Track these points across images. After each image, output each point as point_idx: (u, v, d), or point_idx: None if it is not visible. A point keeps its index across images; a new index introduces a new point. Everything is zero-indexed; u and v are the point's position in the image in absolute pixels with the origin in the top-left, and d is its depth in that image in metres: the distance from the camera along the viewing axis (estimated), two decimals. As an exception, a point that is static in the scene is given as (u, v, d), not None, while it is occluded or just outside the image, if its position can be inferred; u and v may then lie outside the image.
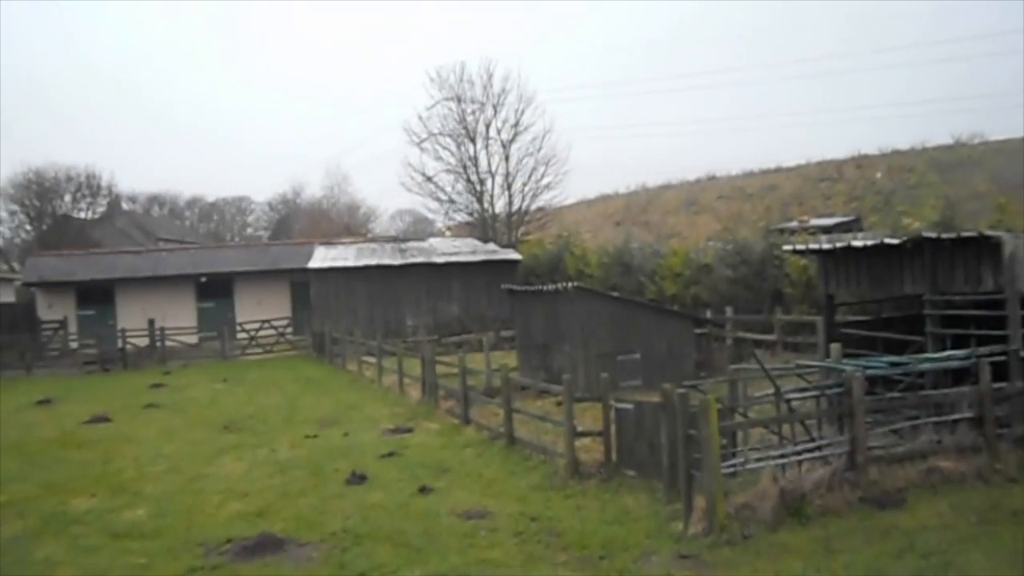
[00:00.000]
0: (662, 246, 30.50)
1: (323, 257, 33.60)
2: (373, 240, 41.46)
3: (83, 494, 11.50)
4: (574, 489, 10.34)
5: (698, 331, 19.58)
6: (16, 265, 49.60)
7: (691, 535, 8.21)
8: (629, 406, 10.88)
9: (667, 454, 9.35)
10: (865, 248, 13.01)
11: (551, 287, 18.80)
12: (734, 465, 8.95)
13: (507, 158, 40.20)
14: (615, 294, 20.75)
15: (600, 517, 9.19)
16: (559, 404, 13.16)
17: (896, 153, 46.76)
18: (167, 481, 12.07)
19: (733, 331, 21.99)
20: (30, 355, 31.16)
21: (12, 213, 54.75)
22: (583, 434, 11.36)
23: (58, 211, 54.20)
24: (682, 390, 9.18)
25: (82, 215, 56.37)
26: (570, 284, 18.33)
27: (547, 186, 40.39)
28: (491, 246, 35.89)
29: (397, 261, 32.76)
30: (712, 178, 55.92)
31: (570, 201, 48.38)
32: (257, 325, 33.86)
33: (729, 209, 46.54)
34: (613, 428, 10.91)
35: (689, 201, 51.33)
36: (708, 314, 21.80)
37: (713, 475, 8.17)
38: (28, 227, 54.44)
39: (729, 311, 22.55)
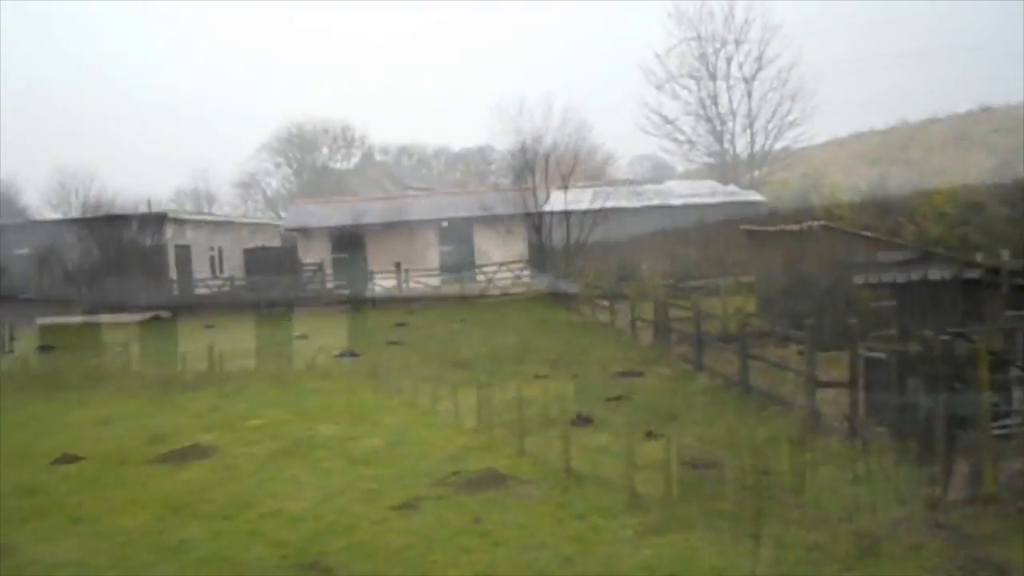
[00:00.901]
0: (925, 184, 27.63)
1: (560, 200, 33.72)
2: (610, 184, 41.07)
3: (328, 421, 12.24)
4: (814, 443, 9.50)
5: (966, 276, 17.41)
6: (282, 213, 54.31)
7: (950, 502, 7.21)
8: (881, 355, 9.78)
9: (924, 410, 8.27)
10: None
11: (796, 227, 17.49)
12: (1007, 426, 7.73)
13: (749, 95, 38.21)
14: (867, 234, 18.96)
15: (842, 475, 8.35)
16: (800, 353, 12.20)
17: None
18: (403, 414, 12.57)
19: (1010, 277, 19.39)
20: (292, 294, 34.07)
21: (277, 165, 59.98)
22: (826, 384, 10.43)
23: (316, 163, 58.64)
24: (946, 338, 8.05)
25: (338, 166, 60.60)
26: (816, 223, 16.94)
27: (793, 123, 37.98)
28: (731, 188, 34.37)
29: (633, 204, 32.20)
30: (986, 109, 49.81)
31: (819, 140, 45.06)
32: (495, 268, 34.78)
33: (1007, 144, 41.30)
34: (861, 379, 9.88)
35: (959, 136, 46.15)
36: (979, 258, 19.36)
37: (981, 436, 7.08)
38: (292, 178, 59.39)
39: (1005, 254, 19.91)
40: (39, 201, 64.51)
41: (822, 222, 17.39)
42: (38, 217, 47.87)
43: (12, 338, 27.56)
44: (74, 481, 9.88)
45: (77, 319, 33.74)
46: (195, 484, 9.41)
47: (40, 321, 34.07)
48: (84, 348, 24.21)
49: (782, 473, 8.51)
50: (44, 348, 24.41)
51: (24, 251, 35.01)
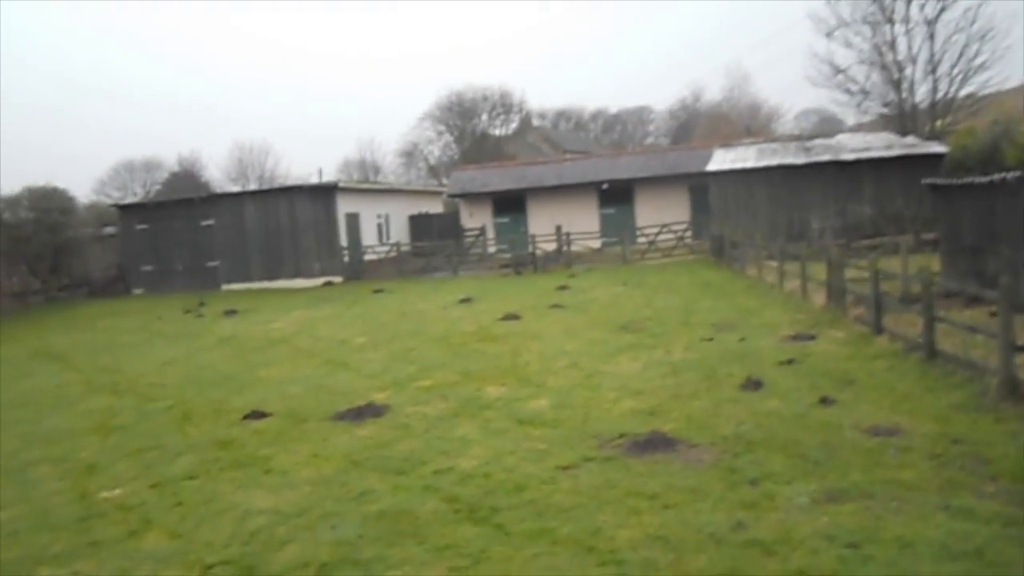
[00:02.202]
0: None
1: (722, 160, 32.68)
2: (775, 140, 39.40)
3: (495, 383, 12.47)
4: (1009, 412, 8.80)
5: None
6: (444, 180, 55.62)
7: None
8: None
9: None
10: None
11: (985, 179, 16.15)
12: None
13: (931, 37, 35.23)
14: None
15: (1044, 446, 7.71)
16: (993, 314, 11.31)
17: None
18: (567, 376, 12.61)
19: None
20: (455, 259, 34.95)
21: (440, 133, 61.35)
22: (1024, 348, 9.60)
23: (476, 129, 59.63)
24: None
25: (497, 132, 61.41)
26: (1010, 174, 15.56)
27: (981, 66, 34.73)
28: (910, 139, 32.09)
29: (801, 160, 30.72)
30: None
31: (1012, 84, 41.24)
32: (656, 230, 34.30)
33: None
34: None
35: None
36: None
37: None
38: (453, 145, 60.64)
39: None
40: (220, 176, 69.23)
41: (1017, 173, 15.92)
42: (220, 190, 51.14)
43: (202, 303, 29.82)
44: (263, 436, 10.57)
45: (258, 285, 36.11)
46: (371, 441, 9.84)
47: (225, 287, 36.70)
48: (264, 311, 25.83)
49: (975, 443, 7.96)
50: (229, 312, 26.20)
51: (209, 222, 37.59)
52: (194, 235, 37.79)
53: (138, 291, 38.15)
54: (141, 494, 8.68)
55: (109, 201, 54.50)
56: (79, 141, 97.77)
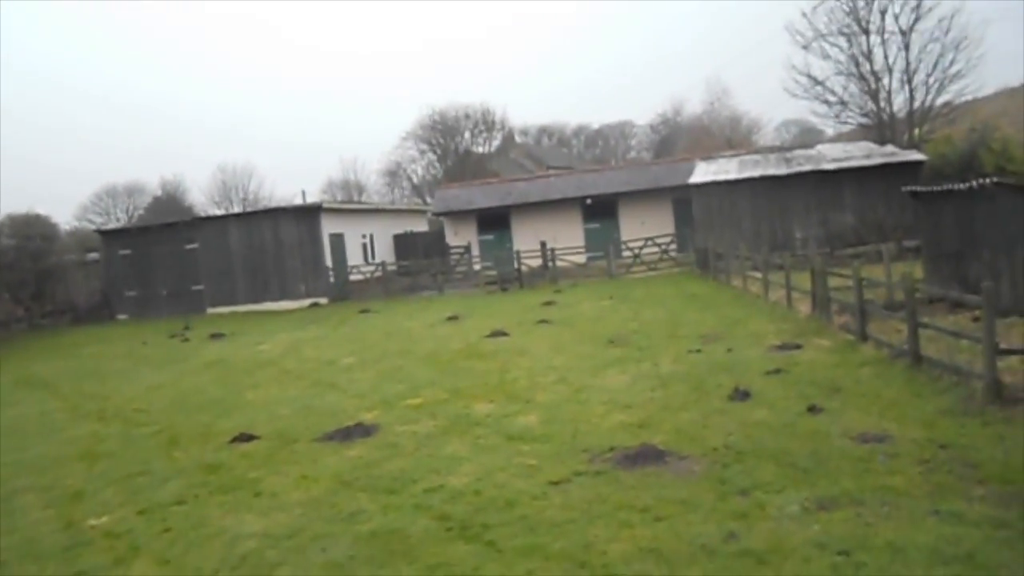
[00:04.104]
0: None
1: (704, 172, 32.90)
2: (756, 151, 39.71)
3: (484, 400, 12.45)
4: (994, 416, 8.86)
5: None
6: (428, 199, 55.73)
7: None
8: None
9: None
10: None
11: (964, 185, 16.32)
12: None
13: (907, 47, 35.75)
14: (1048, 190, 17.45)
15: (1031, 448, 7.77)
16: (976, 319, 11.41)
17: None
18: (556, 391, 12.61)
19: None
20: (441, 277, 34.94)
21: (423, 152, 61.50)
22: (1008, 352, 9.69)
23: (459, 147, 59.82)
24: None
25: (480, 149, 61.64)
26: (989, 179, 15.73)
27: (956, 75, 35.26)
28: (889, 148, 32.42)
29: (782, 171, 30.97)
30: None
31: (986, 92, 41.75)
32: (641, 243, 34.41)
33: None
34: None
35: None
36: None
37: None
38: (436, 164, 60.81)
39: None
40: (204, 199, 69.08)
41: (995, 179, 16.10)
42: (203, 214, 50.99)
43: (187, 327, 29.65)
44: (251, 458, 10.50)
45: (243, 308, 35.97)
46: (360, 461, 9.80)
47: (210, 311, 36.53)
48: (251, 334, 25.71)
49: (962, 447, 8.01)
50: (215, 336, 26.07)
51: (193, 246, 37.45)
52: (178, 259, 37.64)
53: (122, 317, 37.92)
54: (128, 521, 8.60)
55: (92, 227, 54.23)
56: (59, 172, 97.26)
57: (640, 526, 6.93)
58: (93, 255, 40.63)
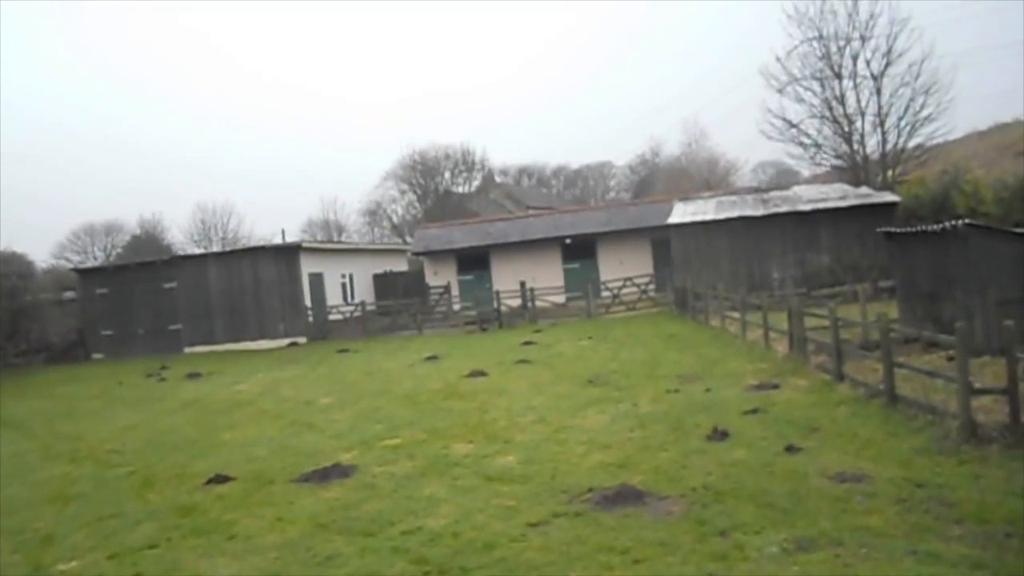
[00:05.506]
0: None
1: (682, 212, 33.22)
2: (733, 192, 40.18)
3: (462, 440, 12.38)
4: (970, 455, 8.94)
5: None
6: (408, 238, 55.83)
7: None
8: (1042, 359, 9.13)
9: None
10: None
11: (937, 227, 16.58)
12: None
13: (878, 92, 36.52)
14: (1018, 230, 17.77)
15: (1005, 488, 7.82)
16: (951, 359, 11.53)
17: None
18: (535, 431, 12.56)
19: None
20: (421, 317, 34.88)
21: (402, 192, 61.75)
22: (982, 391, 9.78)
23: (439, 187, 60.09)
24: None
25: (460, 189, 61.93)
26: (960, 221, 16.00)
27: (927, 119, 35.97)
28: (863, 190, 32.93)
29: (759, 212, 31.34)
30: None
31: (956, 135, 42.61)
32: (620, 283, 34.57)
33: None
34: (1022, 385, 9.23)
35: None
36: None
37: None
38: (416, 203, 61.01)
39: None
40: (183, 238, 68.75)
41: (966, 220, 16.39)
42: (182, 252, 50.74)
43: (164, 367, 29.35)
44: (226, 500, 10.35)
45: (221, 347, 35.67)
46: (337, 503, 9.69)
47: (188, 350, 36.21)
48: (228, 373, 25.48)
49: (939, 486, 8.05)
50: (192, 375, 25.81)
51: (171, 285, 37.21)
52: (156, 298, 37.36)
53: (98, 356, 37.48)
54: (99, 565, 8.43)
55: (69, 265, 53.76)
56: (35, 209, 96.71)
57: (619, 568, 6.89)
58: (69, 293, 40.24)
